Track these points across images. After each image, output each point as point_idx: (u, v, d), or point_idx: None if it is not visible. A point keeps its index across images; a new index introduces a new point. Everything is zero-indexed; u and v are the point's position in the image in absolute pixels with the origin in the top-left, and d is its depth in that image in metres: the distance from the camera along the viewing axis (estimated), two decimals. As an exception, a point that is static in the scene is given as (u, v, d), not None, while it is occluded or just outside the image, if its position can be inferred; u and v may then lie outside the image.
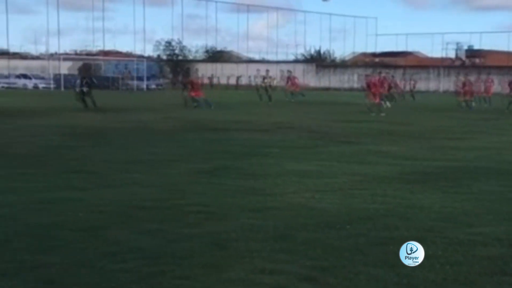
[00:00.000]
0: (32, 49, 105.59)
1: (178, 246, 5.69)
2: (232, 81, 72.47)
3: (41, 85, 58.70)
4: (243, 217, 6.87)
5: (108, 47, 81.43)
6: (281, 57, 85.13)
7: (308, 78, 77.94)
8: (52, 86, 58.54)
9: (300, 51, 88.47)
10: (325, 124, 20.57)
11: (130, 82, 59.87)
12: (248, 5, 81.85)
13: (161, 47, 79.46)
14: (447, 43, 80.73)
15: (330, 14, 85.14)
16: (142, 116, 22.93)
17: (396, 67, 76.11)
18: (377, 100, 27.12)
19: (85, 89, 28.62)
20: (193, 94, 29.78)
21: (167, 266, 5.10)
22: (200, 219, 6.78)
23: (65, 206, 7.27)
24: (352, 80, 67.94)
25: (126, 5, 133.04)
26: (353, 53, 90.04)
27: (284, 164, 11.09)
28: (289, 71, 40.00)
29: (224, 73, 76.90)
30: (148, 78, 63.13)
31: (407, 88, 46.81)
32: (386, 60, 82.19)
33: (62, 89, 53.29)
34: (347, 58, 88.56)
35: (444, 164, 11.43)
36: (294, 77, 40.05)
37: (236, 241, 5.89)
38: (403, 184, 9.21)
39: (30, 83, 59.19)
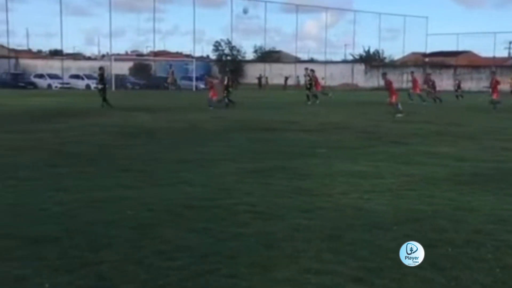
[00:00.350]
0: (86, 50, 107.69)
1: (225, 245, 5.73)
2: (281, 81, 72.33)
3: (93, 85, 59.62)
4: (290, 217, 6.88)
5: (159, 47, 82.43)
6: (330, 57, 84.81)
7: (357, 78, 77.53)
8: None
9: (349, 51, 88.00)
10: (372, 124, 20.41)
11: (175, 82, 60.33)
12: (297, 5, 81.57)
13: (211, 47, 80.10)
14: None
15: (380, 13, 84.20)
16: (190, 116, 23.10)
17: (446, 66, 75.20)
18: (394, 100, 26.67)
19: (99, 86, 29.86)
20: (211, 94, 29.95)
21: (214, 264, 5.15)
22: (247, 218, 6.81)
23: (116, 204, 7.40)
24: (401, 80, 67.02)
25: (177, 6, 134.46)
26: (403, 53, 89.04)
27: (331, 164, 11.05)
28: (311, 70, 38.62)
29: (273, 73, 76.92)
30: (197, 79, 63.52)
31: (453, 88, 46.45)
32: (436, 60, 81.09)
33: (113, 89, 54.07)
34: (396, 58, 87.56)
35: (494, 165, 11.22)
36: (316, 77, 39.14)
37: (282, 241, 5.90)
38: (452, 185, 9.08)
39: (82, 83, 60.19)
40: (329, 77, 71.83)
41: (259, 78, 71.34)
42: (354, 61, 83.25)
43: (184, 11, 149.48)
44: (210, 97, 29.56)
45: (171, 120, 20.97)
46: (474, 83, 69.19)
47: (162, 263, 5.16)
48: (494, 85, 30.28)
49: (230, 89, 31.27)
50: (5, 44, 69.81)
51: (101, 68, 30.88)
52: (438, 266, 5.09)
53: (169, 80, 59.83)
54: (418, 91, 35.69)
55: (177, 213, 7.02)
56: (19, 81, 57.42)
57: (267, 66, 77.44)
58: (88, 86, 58.96)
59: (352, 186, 8.91)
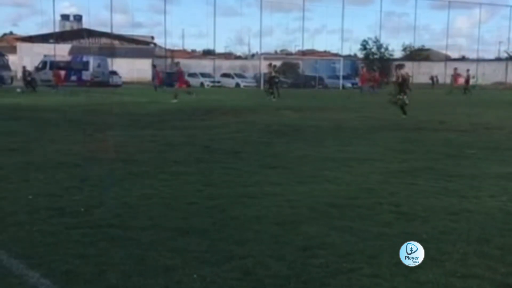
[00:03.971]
0: (236, 49, 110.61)
1: (367, 244, 5.67)
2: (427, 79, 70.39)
3: (242, 84, 61.10)
4: (435, 219, 6.70)
5: (307, 46, 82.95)
6: (482, 55, 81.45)
7: (511, 77, 73.87)
8: (253, 84, 60.70)
9: (504, 48, 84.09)
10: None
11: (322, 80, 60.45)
12: (449, 1, 78.97)
13: (359, 46, 79.58)
14: None
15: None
16: (336, 115, 23.08)
17: None
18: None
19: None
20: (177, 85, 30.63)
21: (356, 263, 5.11)
22: (391, 218, 6.70)
23: (261, 200, 7.52)
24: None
25: (325, 4, 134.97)
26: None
27: (480, 165, 10.63)
28: (362, 66, 39.42)
29: (421, 71, 75.05)
30: (344, 77, 63.32)
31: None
32: None
33: (262, 87, 55.14)
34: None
35: None
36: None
37: (426, 242, 5.74)
38: None
39: (232, 82, 61.87)
40: (481, 75, 69.06)
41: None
42: (509, 58, 79.36)
43: (332, 9, 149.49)
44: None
45: (317, 119, 21.05)
46: None
47: (304, 260, 5.19)
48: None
49: None
50: (162, 45, 73.27)
51: None
52: None
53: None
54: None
55: (321, 210, 7.04)
56: (173, 79, 60.04)
57: (415, 64, 75.62)
58: (237, 85, 60.47)
59: (502, 188, 8.52)
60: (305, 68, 72.54)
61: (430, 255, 5.35)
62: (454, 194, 8.12)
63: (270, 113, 23.43)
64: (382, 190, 8.36)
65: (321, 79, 63.41)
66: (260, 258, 5.26)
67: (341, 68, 65.01)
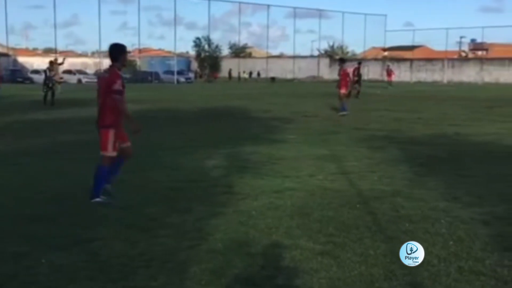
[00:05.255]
0: (78, 48, 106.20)
1: (204, 223, 5.71)
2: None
3: (84, 80, 58.48)
4: (263, 197, 6.87)
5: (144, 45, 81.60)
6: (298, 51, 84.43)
7: (322, 71, 77.46)
8: (94, 80, 58.25)
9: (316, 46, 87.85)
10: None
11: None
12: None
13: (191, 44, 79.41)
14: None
15: (344, 12, 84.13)
16: (173, 106, 22.97)
17: (403, 60, 75.86)
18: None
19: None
20: None
21: (194, 241, 5.13)
22: (225, 198, 6.79)
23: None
24: (362, 72, 67.55)
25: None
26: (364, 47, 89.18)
27: (300, 148, 11.04)
28: None
29: (246, 67, 76.43)
30: (178, 73, 63.45)
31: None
32: (394, 53, 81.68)
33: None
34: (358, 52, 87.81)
35: (448, 148, 11.32)
36: None
37: (256, 219, 5.88)
38: (410, 167, 9.13)
39: (74, 78, 58.97)
40: (297, 70, 72.15)
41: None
42: (320, 55, 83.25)
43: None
44: None
45: (156, 110, 20.78)
46: (427, 75, 69.98)
47: (147, 240, 5.13)
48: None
49: None
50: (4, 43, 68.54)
51: None
52: (397, 240, 5.15)
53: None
54: None
55: (163, 194, 6.98)
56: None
57: (240, 61, 76.83)
58: (79, 80, 58.01)
59: (319, 168, 8.90)
60: (141, 64, 71.39)
61: (259, 229, 5.49)
62: (279, 174, 8.37)
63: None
64: (217, 173, 8.46)
65: (156, 74, 62.69)
66: (106, 240, 5.13)
67: (175, 64, 65.02)
